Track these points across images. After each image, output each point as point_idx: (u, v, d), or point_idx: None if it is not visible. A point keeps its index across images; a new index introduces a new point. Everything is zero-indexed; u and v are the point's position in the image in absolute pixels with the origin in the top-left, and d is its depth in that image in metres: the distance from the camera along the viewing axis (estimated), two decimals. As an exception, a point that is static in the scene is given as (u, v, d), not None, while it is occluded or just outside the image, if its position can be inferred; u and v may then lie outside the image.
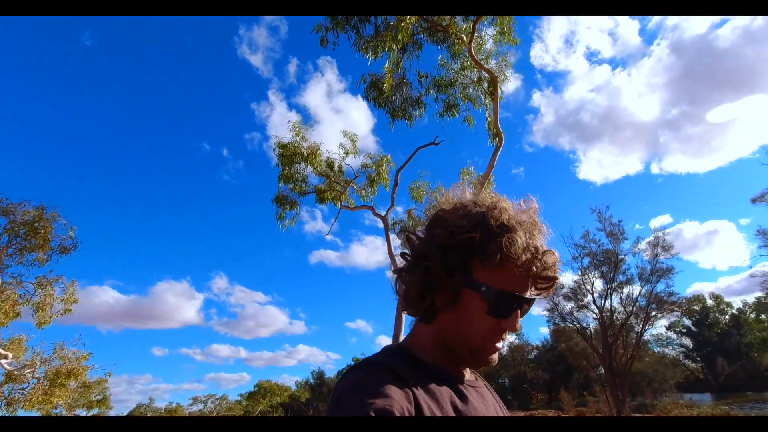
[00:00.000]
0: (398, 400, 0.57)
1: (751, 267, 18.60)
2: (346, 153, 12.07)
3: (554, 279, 0.72)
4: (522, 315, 0.72)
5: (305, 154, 11.58)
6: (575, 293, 21.59)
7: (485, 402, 0.73)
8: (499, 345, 0.71)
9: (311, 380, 44.29)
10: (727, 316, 43.69)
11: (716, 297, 43.73)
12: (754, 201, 20.53)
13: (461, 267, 0.69)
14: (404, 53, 7.72)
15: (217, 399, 39.29)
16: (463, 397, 0.68)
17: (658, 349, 39.92)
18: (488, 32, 8.11)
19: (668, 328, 42.99)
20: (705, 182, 74.89)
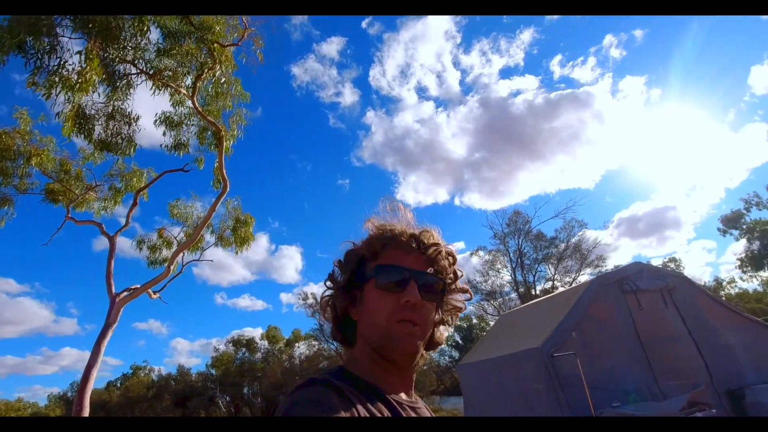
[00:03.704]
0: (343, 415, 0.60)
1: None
2: (86, 158, 11.18)
3: (436, 244, 0.79)
4: (423, 290, 0.74)
5: (27, 152, 10.32)
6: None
7: None
8: (406, 324, 0.72)
9: (70, 393, 36.14)
10: (485, 333, 55.30)
11: (480, 317, 54.92)
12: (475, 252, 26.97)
13: (360, 270, 0.79)
14: (115, 91, 7.78)
15: None
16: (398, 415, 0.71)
17: (436, 358, 48.07)
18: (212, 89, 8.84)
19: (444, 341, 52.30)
20: (490, 219, 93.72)
